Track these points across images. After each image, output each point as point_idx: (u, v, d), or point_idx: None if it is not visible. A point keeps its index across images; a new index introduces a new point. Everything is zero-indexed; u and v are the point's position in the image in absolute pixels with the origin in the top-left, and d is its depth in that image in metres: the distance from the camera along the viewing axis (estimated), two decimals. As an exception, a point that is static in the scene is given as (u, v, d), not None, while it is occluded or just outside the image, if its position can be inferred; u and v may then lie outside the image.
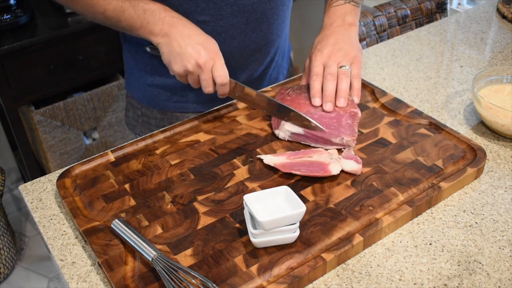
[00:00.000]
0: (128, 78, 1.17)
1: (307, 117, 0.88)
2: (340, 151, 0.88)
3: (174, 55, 0.87)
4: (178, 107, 1.10)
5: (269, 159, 0.85)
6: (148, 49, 0.96)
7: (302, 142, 0.90)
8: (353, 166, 0.83)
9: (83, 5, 0.92)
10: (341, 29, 0.96)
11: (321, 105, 0.91)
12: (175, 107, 1.11)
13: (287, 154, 0.85)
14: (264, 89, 1.06)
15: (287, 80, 1.09)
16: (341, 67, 0.91)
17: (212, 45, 0.89)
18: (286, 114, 0.90)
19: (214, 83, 0.89)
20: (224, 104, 1.01)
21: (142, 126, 1.16)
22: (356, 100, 0.92)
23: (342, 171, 0.83)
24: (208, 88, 0.89)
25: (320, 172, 0.81)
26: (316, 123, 0.88)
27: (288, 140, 0.91)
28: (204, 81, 0.88)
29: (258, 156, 0.87)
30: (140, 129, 1.16)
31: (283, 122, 0.91)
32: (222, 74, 0.88)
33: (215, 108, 1.00)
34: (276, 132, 0.92)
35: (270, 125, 0.95)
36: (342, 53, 0.92)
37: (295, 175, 0.83)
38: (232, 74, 1.08)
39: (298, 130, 0.89)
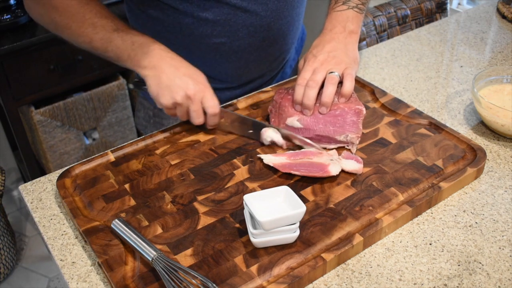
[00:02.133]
0: (140, 78, 1.17)
1: (304, 139, 0.87)
2: (342, 148, 0.88)
3: (163, 87, 0.86)
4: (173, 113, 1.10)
5: (269, 159, 0.85)
6: (131, 86, 0.94)
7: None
8: (354, 165, 0.83)
9: (69, 35, 0.91)
10: (341, 36, 0.93)
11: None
12: None
13: (287, 154, 0.85)
14: (264, 89, 1.06)
15: (286, 80, 1.09)
16: (330, 72, 0.88)
17: (200, 77, 0.88)
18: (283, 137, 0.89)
19: (204, 113, 0.88)
20: (224, 104, 1.01)
21: (154, 126, 1.15)
22: (342, 100, 0.88)
23: (342, 171, 0.83)
24: (198, 119, 0.88)
25: (320, 173, 0.81)
26: (312, 143, 0.87)
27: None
28: (194, 112, 0.87)
29: (258, 156, 0.87)
30: (151, 129, 1.16)
31: (264, 129, 0.90)
32: (213, 104, 0.87)
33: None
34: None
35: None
36: (335, 61, 0.90)
37: (295, 175, 0.83)
38: (247, 83, 1.10)
39: (278, 138, 0.89)
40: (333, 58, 0.90)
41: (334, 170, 0.81)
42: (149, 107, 1.15)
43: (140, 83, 0.93)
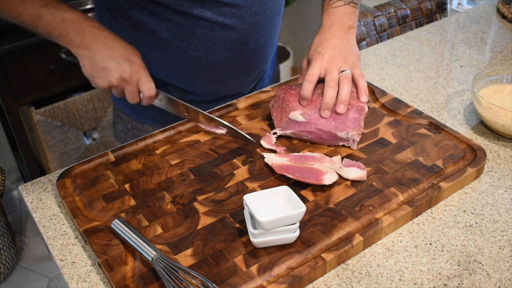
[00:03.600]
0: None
1: (239, 131, 0.90)
2: (341, 148, 0.88)
3: (97, 69, 0.85)
4: (171, 120, 1.08)
5: (270, 158, 0.85)
6: (63, 55, 0.93)
7: (305, 137, 0.90)
8: (358, 173, 0.82)
9: None
10: (341, 32, 0.93)
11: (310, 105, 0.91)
12: (168, 120, 1.06)
13: (290, 156, 0.85)
14: (264, 89, 1.06)
15: (288, 79, 1.09)
16: (342, 71, 0.89)
17: (135, 57, 0.87)
18: (207, 119, 0.91)
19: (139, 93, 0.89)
20: (224, 104, 1.01)
21: (132, 139, 1.09)
22: (365, 98, 0.89)
23: (341, 177, 0.82)
24: (134, 100, 0.89)
25: (313, 180, 0.80)
26: (246, 136, 0.89)
27: (290, 138, 0.91)
28: (130, 93, 0.87)
29: (262, 153, 0.87)
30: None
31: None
32: (148, 87, 0.87)
33: (215, 108, 1.00)
34: (277, 130, 0.91)
35: (270, 125, 0.95)
36: (342, 58, 0.90)
37: (295, 175, 0.83)
38: (225, 96, 1.08)
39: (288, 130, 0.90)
40: (340, 55, 0.90)
41: (328, 179, 0.80)
42: (127, 120, 1.13)
43: (71, 53, 0.90)
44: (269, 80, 1.19)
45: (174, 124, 0.95)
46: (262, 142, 0.90)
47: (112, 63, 0.84)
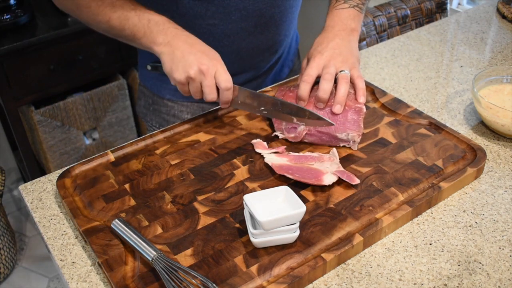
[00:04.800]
0: (141, 67, 1.18)
1: (319, 114, 0.87)
2: (342, 148, 0.88)
3: (176, 62, 0.87)
4: (188, 97, 1.11)
5: (270, 158, 0.85)
6: (149, 67, 0.97)
7: (306, 141, 0.90)
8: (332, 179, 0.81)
9: (88, 14, 0.92)
10: (343, 33, 0.94)
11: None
12: (184, 97, 1.11)
13: (290, 156, 0.85)
14: (264, 89, 1.06)
15: (287, 80, 1.09)
16: (341, 71, 0.90)
17: (213, 53, 0.89)
18: (295, 113, 0.88)
19: (217, 90, 0.89)
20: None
21: (153, 114, 1.17)
22: (363, 99, 0.90)
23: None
24: (211, 95, 0.88)
25: (312, 180, 0.80)
26: (327, 119, 0.87)
27: (290, 142, 0.91)
28: (207, 87, 0.87)
29: (262, 153, 0.87)
30: (150, 116, 1.18)
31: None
32: (226, 78, 0.87)
33: (215, 108, 1.00)
34: (278, 133, 0.92)
35: (270, 125, 0.95)
36: (342, 58, 0.91)
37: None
38: (240, 72, 1.09)
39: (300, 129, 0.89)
40: (339, 55, 0.91)
41: (327, 180, 0.80)
42: (149, 95, 1.17)
43: (156, 64, 0.95)
44: (289, 72, 1.21)
45: (175, 124, 0.95)
46: (257, 150, 0.89)
47: (191, 56, 0.87)
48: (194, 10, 0.97)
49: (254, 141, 0.90)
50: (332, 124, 0.86)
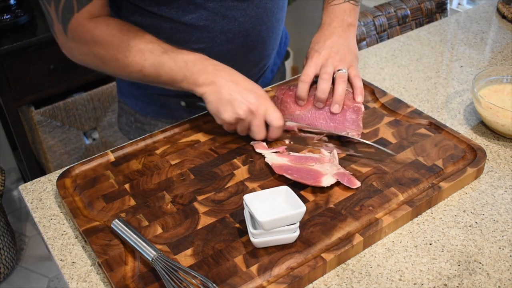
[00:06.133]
0: (119, 84, 1.14)
1: (361, 140, 0.87)
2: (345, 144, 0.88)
3: (224, 102, 0.84)
4: (172, 115, 1.09)
5: (270, 158, 0.84)
6: (183, 103, 0.93)
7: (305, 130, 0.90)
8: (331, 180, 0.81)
9: (117, 67, 0.88)
10: (340, 30, 0.94)
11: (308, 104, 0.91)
12: (169, 115, 1.09)
13: (290, 156, 0.85)
14: (264, 89, 1.06)
15: (287, 80, 1.09)
16: (338, 70, 0.90)
17: (260, 90, 0.87)
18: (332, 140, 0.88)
19: (265, 128, 0.87)
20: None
21: (136, 132, 1.14)
22: (360, 98, 0.90)
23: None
24: (260, 134, 0.87)
25: (311, 181, 0.80)
26: (359, 139, 0.87)
27: (291, 138, 0.91)
28: (256, 127, 0.86)
29: (262, 152, 0.86)
30: (134, 134, 1.14)
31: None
32: (277, 116, 0.86)
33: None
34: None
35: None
36: (339, 57, 0.91)
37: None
38: None
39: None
40: (337, 54, 0.91)
41: (325, 182, 0.80)
42: (131, 112, 1.13)
43: (193, 100, 0.91)
44: (273, 76, 1.19)
45: (174, 124, 0.95)
46: (258, 150, 0.88)
47: (238, 96, 0.84)
48: (177, 36, 0.94)
49: (253, 142, 0.90)
50: (393, 155, 0.85)
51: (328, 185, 0.79)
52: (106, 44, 0.86)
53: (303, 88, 0.89)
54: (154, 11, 0.92)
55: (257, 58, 1.05)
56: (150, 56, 0.86)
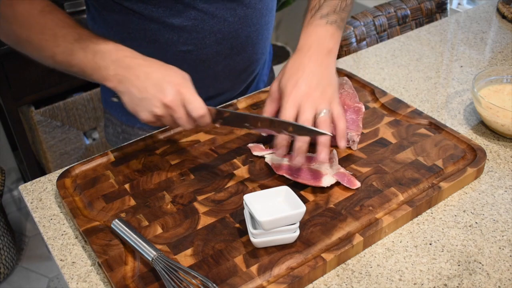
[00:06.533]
0: (104, 94, 1.10)
1: (311, 128, 0.77)
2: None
3: (137, 102, 0.76)
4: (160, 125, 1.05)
5: (270, 158, 0.84)
6: (115, 99, 0.83)
7: None
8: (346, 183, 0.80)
9: (32, 50, 0.82)
10: (320, 57, 0.83)
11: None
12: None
13: (290, 156, 0.84)
14: (264, 89, 1.06)
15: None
16: (320, 113, 0.78)
17: (175, 77, 0.77)
18: (282, 126, 0.78)
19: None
20: (224, 104, 1.01)
21: (123, 142, 1.07)
22: (343, 143, 0.81)
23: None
24: (188, 125, 0.78)
25: (311, 181, 0.79)
26: (320, 130, 0.77)
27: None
28: (179, 119, 0.77)
29: (261, 154, 0.86)
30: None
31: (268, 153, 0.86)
32: (196, 106, 0.76)
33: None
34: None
35: (270, 125, 0.95)
36: (320, 91, 0.80)
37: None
38: (216, 95, 1.04)
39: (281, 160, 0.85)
40: (317, 88, 0.80)
41: (326, 182, 0.79)
42: (117, 123, 1.09)
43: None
44: (264, 86, 1.16)
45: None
46: (255, 153, 0.87)
47: (150, 91, 0.75)
48: (165, 37, 0.91)
49: (250, 145, 0.89)
50: (330, 135, 0.77)
51: (328, 185, 0.79)
52: (23, 23, 0.80)
53: (284, 136, 0.78)
54: (139, 11, 0.89)
55: (246, 62, 1.02)
56: (62, 43, 0.79)
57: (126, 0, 0.89)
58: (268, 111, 0.85)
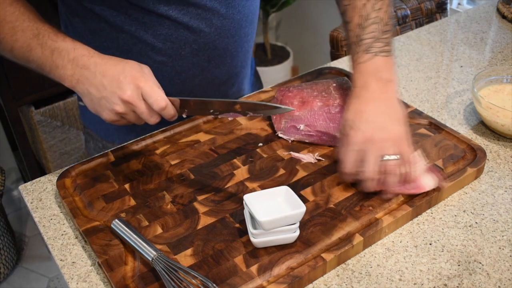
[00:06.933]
0: (83, 109, 1.05)
1: (271, 104, 0.75)
2: None
3: (97, 102, 0.74)
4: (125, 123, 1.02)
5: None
6: (81, 103, 0.80)
7: (306, 141, 0.90)
8: (429, 183, 0.77)
9: None
10: (377, 92, 0.77)
11: (324, 105, 0.87)
12: (138, 137, 0.97)
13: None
14: (264, 89, 1.06)
15: (286, 80, 1.09)
16: (385, 158, 0.73)
17: (131, 71, 0.74)
18: (248, 109, 0.75)
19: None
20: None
21: None
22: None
23: None
24: (152, 119, 0.75)
25: (413, 190, 0.76)
26: (284, 106, 0.75)
27: (292, 141, 0.91)
28: (142, 114, 0.74)
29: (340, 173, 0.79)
30: None
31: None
32: (156, 98, 0.73)
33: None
34: (279, 133, 0.92)
35: (270, 125, 0.95)
36: (385, 134, 0.73)
37: (296, 174, 0.83)
38: None
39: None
40: (381, 130, 0.74)
41: (428, 185, 0.75)
42: (97, 138, 1.06)
43: None
44: (248, 91, 1.12)
45: (174, 124, 0.95)
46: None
47: (107, 89, 0.73)
48: (138, 47, 0.89)
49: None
50: (292, 110, 0.75)
51: (432, 187, 0.77)
52: None
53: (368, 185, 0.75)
54: (112, 19, 0.87)
55: (226, 75, 0.98)
56: (21, 37, 0.76)
57: (98, 7, 0.86)
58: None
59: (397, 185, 0.76)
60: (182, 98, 0.77)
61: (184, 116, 0.79)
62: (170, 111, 0.75)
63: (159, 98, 0.73)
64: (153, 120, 0.75)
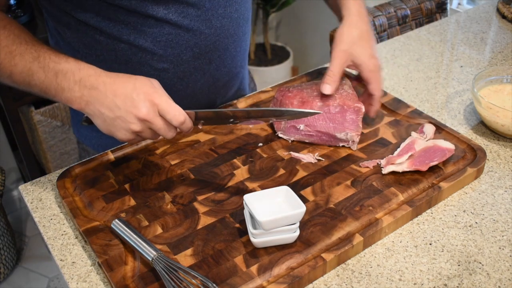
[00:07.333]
0: (76, 124, 1.03)
1: (297, 110, 0.77)
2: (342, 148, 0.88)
3: (110, 122, 0.72)
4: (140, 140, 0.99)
5: (389, 168, 0.83)
6: (85, 123, 0.78)
7: (306, 141, 0.90)
8: (447, 144, 0.85)
9: None
10: (367, 23, 0.91)
11: (326, 101, 0.88)
12: None
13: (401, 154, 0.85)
14: (264, 89, 1.06)
15: (286, 80, 1.09)
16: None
17: (143, 88, 0.72)
18: (268, 115, 0.77)
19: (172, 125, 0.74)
20: (224, 104, 1.01)
21: None
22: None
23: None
24: (169, 133, 0.74)
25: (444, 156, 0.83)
26: (309, 110, 0.77)
27: (292, 141, 0.91)
28: (160, 130, 0.73)
29: (382, 168, 0.84)
30: None
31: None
32: (175, 113, 0.71)
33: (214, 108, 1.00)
34: (279, 133, 0.92)
35: (270, 125, 0.95)
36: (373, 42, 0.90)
37: (296, 174, 0.83)
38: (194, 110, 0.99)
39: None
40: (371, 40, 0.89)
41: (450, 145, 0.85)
42: (93, 153, 1.03)
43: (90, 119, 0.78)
44: (246, 92, 1.12)
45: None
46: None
47: (121, 108, 0.70)
48: (138, 56, 0.87)
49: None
50: (319, 113, 0.78)
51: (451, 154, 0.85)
52: None
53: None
54: (108, 30, 0.85)
55: (226, 76, 0.98)
56: (20, 61, 0.73)
57: (91, 18, 0.84)
58: (337, 71, 0.88)
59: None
60: (198, 111, 0.76)
61: (200, 127, 0.77)
62: (188, 124, 0.74)
63: (177, 113, 0.72)
64: (170, 134, 0.74)
